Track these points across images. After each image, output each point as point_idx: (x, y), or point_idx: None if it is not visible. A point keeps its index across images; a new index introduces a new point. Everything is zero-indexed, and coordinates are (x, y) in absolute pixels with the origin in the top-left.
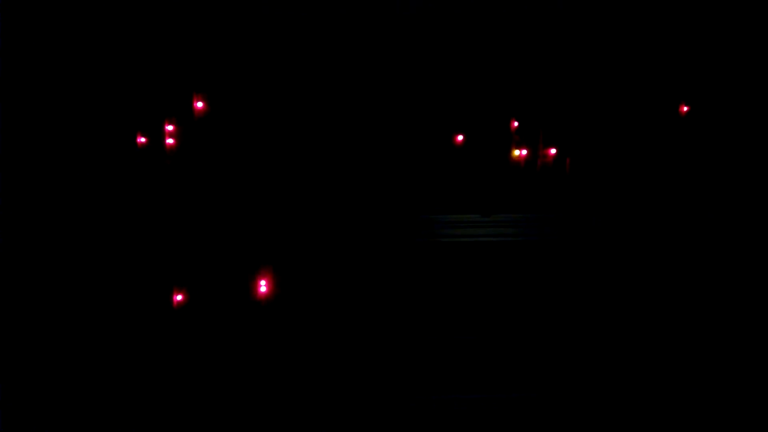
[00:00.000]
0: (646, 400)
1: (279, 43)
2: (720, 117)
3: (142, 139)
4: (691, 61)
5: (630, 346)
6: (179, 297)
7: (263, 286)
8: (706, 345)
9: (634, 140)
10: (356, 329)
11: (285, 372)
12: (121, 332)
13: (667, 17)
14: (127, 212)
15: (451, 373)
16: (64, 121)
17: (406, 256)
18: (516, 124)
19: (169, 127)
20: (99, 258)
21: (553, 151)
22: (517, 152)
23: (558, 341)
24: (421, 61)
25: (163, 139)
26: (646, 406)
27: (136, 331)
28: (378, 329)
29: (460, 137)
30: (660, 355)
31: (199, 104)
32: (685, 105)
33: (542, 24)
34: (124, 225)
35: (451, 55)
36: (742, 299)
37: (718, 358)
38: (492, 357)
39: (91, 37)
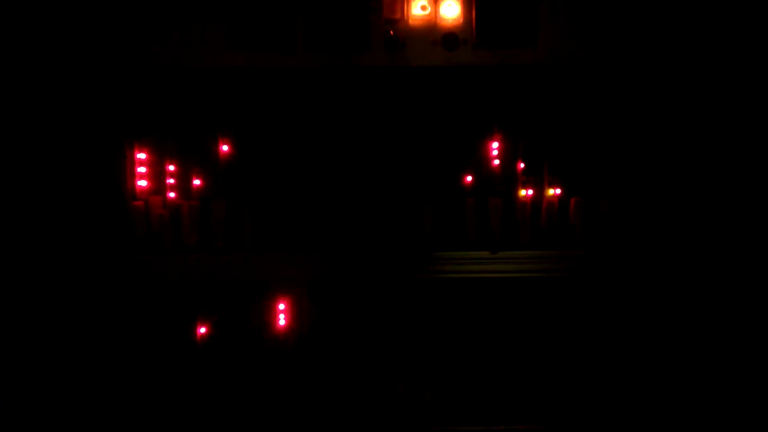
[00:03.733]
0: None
1: (296, 90)
2: (743, 143)
3: (171, 180)
4: (703, 92)
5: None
6: (203, 330)
7: (282, 320)
8: (734, 379)
9: (638, 179)
10: (362, 364)
11: (299, 405)
12: (140, 363)
13: (678, 40)
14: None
15: (453, 406)
16: (85, 152)
17: (416, 293)
18: (522, 165)
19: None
20: (119, 286)
21: (558, 191)
22: (523, 192)
23: (564, 377)
24: (430, 109)
25: (191, 181)
26: None
27: (157, 364)
28: (385, 365)
29: (469, 178)
30: (670, 393)
31: (225, 147)
32: (694, 136)
33: (543, 71)
34: (148, 254)
35: (458, 103)
36: None
37: (751, 390)
38: (495, 391)
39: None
